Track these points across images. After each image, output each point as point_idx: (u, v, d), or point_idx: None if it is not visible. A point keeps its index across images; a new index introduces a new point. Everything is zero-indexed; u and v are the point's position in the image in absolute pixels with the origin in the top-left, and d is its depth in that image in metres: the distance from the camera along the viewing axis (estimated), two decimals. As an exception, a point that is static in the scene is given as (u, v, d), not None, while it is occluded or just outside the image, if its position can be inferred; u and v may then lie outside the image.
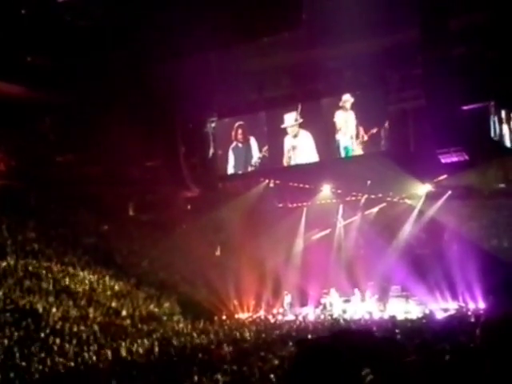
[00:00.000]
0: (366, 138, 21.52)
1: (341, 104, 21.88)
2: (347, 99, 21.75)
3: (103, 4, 19.71)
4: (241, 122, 24.24)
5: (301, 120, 22.79)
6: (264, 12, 18.78)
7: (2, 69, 20.44)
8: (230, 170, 24.56)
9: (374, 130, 21.31)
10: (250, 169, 24.33)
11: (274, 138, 23.65)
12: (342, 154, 22.45)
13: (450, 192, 23.95)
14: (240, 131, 24.09)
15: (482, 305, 21.81)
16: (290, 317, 23.48)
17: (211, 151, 24.84)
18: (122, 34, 20.34)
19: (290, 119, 23.04)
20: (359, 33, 19.70)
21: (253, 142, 24.03)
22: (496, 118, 19.95)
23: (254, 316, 23.92)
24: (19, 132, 23.30)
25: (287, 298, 24.89)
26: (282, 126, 23.12)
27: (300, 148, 22.98)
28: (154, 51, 20.67)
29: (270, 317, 23.52)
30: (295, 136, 22.98)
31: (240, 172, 24.57)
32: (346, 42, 20.67)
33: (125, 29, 20.21)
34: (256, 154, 23.92)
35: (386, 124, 21.03)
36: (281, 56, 22.72)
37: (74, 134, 24.07)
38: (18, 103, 22.06)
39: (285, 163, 23.48)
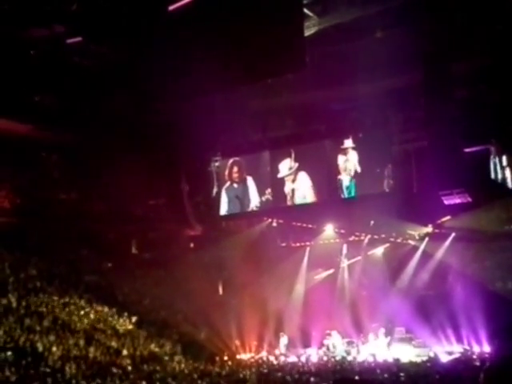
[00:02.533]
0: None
1: (342, 148, 21.65)
2: (349, 145, 21.44)
3: (110, 46, 20.10)
4: (236, 158, 22.64)
5: (296, 166, 22.06)
6: (268, 54, 19.06)
7: (10, 108, 20.79)
8: (223, 212, 22.81)
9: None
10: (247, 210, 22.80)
11: (277, 178, 23.62)
12: (345, 195, 22.42)
13: (454, 234, 23.93)
14: (235, 169, 22.68)
15: (487, 348, 21.54)
16: (293, 358, 23.19)
17: (215, 190, 24.89)
18: (128, 75, 20.67)
19: (285, 168, 22.18)
20: (363, 75, 19.99)
21: (250, 182, 22.54)
22: (497, 160, 20.06)
23: (256, 357, 23.63)
24: (25, 170, 23.52)
25: (283, 340, 24.56)
26: (279, 176, 22.24)
27: (299, 190, 22.19)
28: (159, 91, 20.95)
29: (273, 358, 23.23)
30: (293, 181, 22.30)
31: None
32: (350, 84, 20.97)
33: (130, 69, 20.55)
34: (255, 197, 22.33)
35: (389, 165, 21.13)
36: (285, 97, 23.01)
37: (78, 172, 24.28)
38: (24, 141, 22.36)
39: (288, 203, 23.27)
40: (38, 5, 18.07)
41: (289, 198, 22.39)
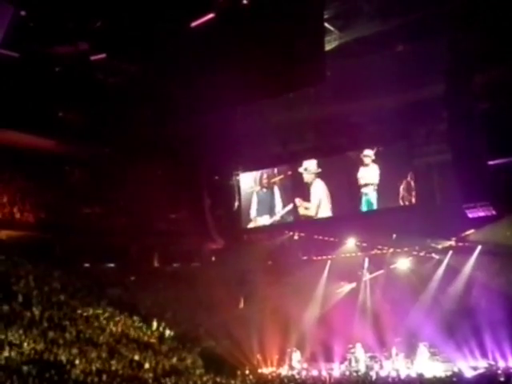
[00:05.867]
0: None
1: (362, 158, 22.45)
2: (368, 154, 22.30)
3: (133, 62, 20.38)
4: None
5: (318, 170, 23.59)
6: (289, 68, 19.19)
7: (35, 123, 21.15)
8: (253, 213, 25.21)
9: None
10: (274, 217, 24.84)
11: (298, 192, 23.88)
12: (364, 207, 22.53)
13: (479, 247, 23.63)
14: (265, 176, 25.16)
15: (512, 363, 21.21)
16: (315, 372, 23.00)
17: (236, 203, 25.06)
18: (150, 90, 20.94)
19: (309, 165, 23.90)
20: (384, 88, 19.99)
21: (276, 190, 24.82)
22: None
23: (278, 371, 23.47)
24: (49, 184, 23.84)
25: (296, 356, 24.30)
26: (299, 170, 23.94)
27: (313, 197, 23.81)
28: (181, 106, 21.16)
29: (295, 372, 23.06)
30: (310, 184, 23.73)
31: (265, 218, 25.05)
32: (371, 97, 20.96)
33: (153, 85, 20.81)
34: (279, 204, 24.68)
35: (410, 178, 21.07)
36: (305, 110, 23.12)
37: (101, 187, 24.55)
38: (48, 156, 22.70)
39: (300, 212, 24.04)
40: (63, 22, 18.41)
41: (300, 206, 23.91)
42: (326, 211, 23.77)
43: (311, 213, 24.02)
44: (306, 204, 24.05)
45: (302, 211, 24.19)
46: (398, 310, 24.19)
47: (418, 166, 21.49)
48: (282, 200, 24.66)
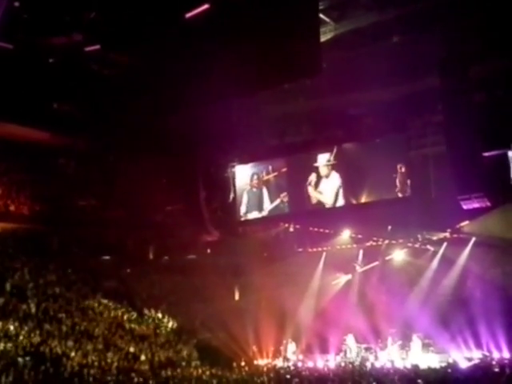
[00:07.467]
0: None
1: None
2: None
3: (128, 54, 20.31)
4: (255, 170, 25.60)
5: (333, 162, 23.57)
6: (284, 60, 19.15)
7: (30, 115, 21.06)
8: (243, 209, 25.54)
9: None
10: (262, 213, 25.16)
11: (294, 184, 23.86)
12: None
13: (474, 239, 23.71)
14: (255, 177, 25.49)
15: (506, 354, 21.30)
16: (310, 364, 23.10)
17: (231, 196, 25.08)
18: (145, 82, 20.87)
19: (323, 159, 23.85)
20: (380, 80, 19.98)
21: (264, 190, 25.26)
22: (517, 165, 19.87)
23: (273, 363, 23.54)
24: (44, 177, 23.77)
25: (291, 347, 24.38)
26: (315, 165, 23.82)
27: (328, 188, 23.86)
28: (176, 98, 21.10)
29: (291, 363, 23.14)
30: (326, 176, 23.75)
31: (254, 214, 25.27)
32: (367, 89, 20.95)
33: (148, 77, 20.74)
34: (267, 201, 25.12)
35: (404, 170, 21.16)
36: (301, 103, 23.12)
37: (96, 179, 24.50)
38: (43, 148, 22.62)
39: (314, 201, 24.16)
40: (57, 13, 18.31)
41: (313, 189, 24.04)
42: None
43: (329, 201, 23.82)
44: (319, 190, 24.09)
45: (315, 199, 24.09)
46: (393, 302, 24.29)
47: (413, 158, 21.52)
48: (270, 197, 25.01)
